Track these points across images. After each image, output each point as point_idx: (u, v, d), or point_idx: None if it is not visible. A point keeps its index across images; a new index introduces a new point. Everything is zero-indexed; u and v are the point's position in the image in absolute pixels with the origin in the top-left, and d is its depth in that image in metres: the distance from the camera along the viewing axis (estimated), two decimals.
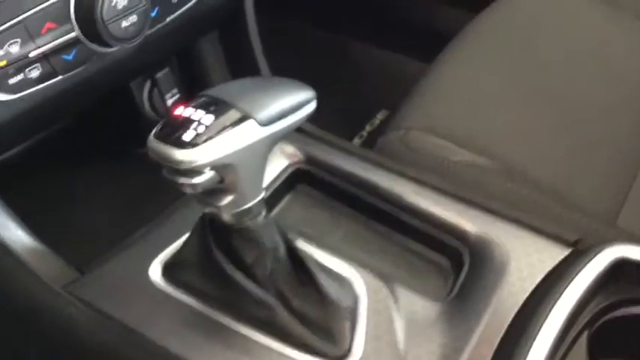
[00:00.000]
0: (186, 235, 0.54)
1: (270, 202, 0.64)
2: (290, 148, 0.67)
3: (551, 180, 0.73)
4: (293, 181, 0.66)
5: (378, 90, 1.32)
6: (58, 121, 0.64)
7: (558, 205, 0.68)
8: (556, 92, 0.84)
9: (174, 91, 0.69)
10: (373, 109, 1.31)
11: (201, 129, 0.45)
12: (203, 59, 0.70)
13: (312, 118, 0.74)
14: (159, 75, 0.67)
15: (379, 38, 1.33)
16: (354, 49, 1.36)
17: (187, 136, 0.45)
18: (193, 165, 0.45)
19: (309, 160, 0.66)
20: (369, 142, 0.91)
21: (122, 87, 0.66)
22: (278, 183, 0.65)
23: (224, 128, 0.45)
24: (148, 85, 0.68)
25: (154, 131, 0.47)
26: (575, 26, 0.94)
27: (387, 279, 0.56)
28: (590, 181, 0.75)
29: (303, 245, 0.56)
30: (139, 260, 0.55)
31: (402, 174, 0.64)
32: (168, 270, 0.54)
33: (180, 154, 0.44)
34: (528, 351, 0.48)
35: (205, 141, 0.45)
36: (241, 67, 0.70)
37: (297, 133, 0.69)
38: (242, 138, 0.46)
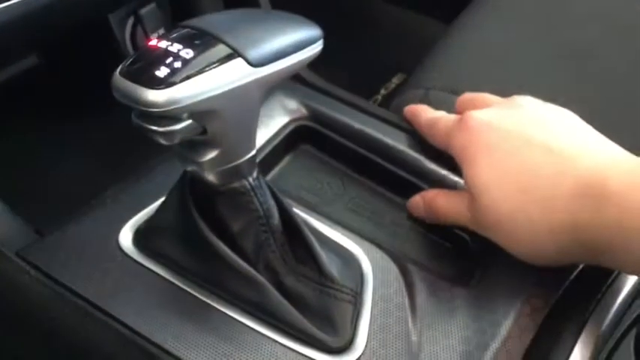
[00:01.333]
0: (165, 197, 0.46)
1: (267, 163, 0.56)
2: (292, 103, 0.58)
3: None
4: (295, 139, 0.57)
5: (395, 51, 1.23)
6: (19, 56, 0.55)
7: None
8: (585, 52, 0.75)
9: (161, 30, 0.60)
10: (389, 71, 1.22)
11: (178, 65, 0.37)
12: None
13: (321, 75, 0.65)
14: (143, 10, 0.58)
15: None
16: (369, 5, 1.26)
17: (161, 73, 0.36)
18: (166, 109, 0.36)
19: (314, 116, 0.57)
20: (384, 107, 0.84)
21: (99, 21, 0.57)
22: (277, 141, 0.56)
23: (206, 66, 0.37)
24: (130, 21, 0.59)
25: (120, 66, 0.38)
26: None
27: (399, 258, 0.48)
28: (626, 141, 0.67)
29: (302, 214, 0.48)
30: (108, 224, 0.46)
31: (420, 136, 0.55)
32: (141, 237, 0.46)
33: (150, 95, 0.36)
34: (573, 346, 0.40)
35: (183, 80, 0.36)
36: (240, 3, 0.61)
37: (301, 86, 0.60)
38: (228, 79, 0.37)
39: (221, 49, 0.37)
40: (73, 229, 0.46)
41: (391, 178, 0.55)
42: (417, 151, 0.54)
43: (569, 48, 0.75)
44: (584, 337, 0.41)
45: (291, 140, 0.57)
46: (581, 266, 0.46)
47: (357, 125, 0.56)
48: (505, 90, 0.69)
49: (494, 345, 0.42)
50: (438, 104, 0.69)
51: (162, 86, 0.36)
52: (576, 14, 0.80)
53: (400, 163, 0.54)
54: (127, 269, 0.45)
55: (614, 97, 0.69)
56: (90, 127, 0.60)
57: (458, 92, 0.69)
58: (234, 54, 0.37)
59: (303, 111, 0.58)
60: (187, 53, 0.37)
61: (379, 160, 0.55)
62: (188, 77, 0.36)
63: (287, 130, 0.57)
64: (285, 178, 0.56)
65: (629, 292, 0.43)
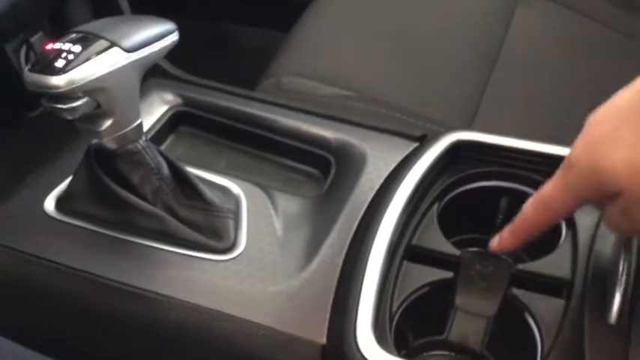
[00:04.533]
0: None
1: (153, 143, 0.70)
2: (169, 95, 0.73)
3: (408, 104, 0.83)
4: (174, 123, 0.72)
5: (255, 65, 1.36)
6: None
7: (412, 119, 0.78)
8: (408, 33, 0.94)
9: None
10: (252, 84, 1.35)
11: (71, 57, 0.51)
12: (73, 22, 0.75)
13: None
14: (33, 39, 0.72)
15: (246, 16, 1.37)
16: (223, 29, 1.38)
17: (59, 64, 0.50)
18: (67, 89, 0.50)
19: (188, 102, 0.72)
20: None
21: None
22: (159, 126, 0.70)
23: (92, 55, 0.51)
24: (24, 49, 0.72)
25: (27, 66, 0.52)
26: None
27: (265, 187, 0.63)
28: (441, 105, 0.86)
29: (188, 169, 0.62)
30: (33, 198, 0.59)
31: (272, 103, 0.71)
32: (62, 202, 0.59)
33: (53, 80, 0.50)
34: (381, 221, 0.56)
35: (75, 67, 0.50)
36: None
37: (174, 82, 0.75)
38: (110, 63, 0.52)
39: (102, 43, 0.52)
40: (3, 205, 0.59)
41: (254, 139, 0.70)
42: (272, 113, 0.70)
43: (397, 33, 0.93)
44: (387, 218, 0.56)
45: (171, 124, 0.72)
46: (393, 166, 0.63)
47: (223, 103, 0.72)
48: (345, 70, 0.86)
49: (335, 227, 0.58)
50: (289, 87, 0.86)
51: (61, 73, 0.50)
52: (410, 8, 0.98)
53: (259, 125, 0.70)
54: (53, 228, 0.57)
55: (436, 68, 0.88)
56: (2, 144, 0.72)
57: (305, 76, 0.87)
58: (112, 45, 0.52)
59: (179, 100, 0.73)
60: (77, 48, 0.51)
61: (246, 128, 0.70)
62: (79, 64, 0.50)
63: (166, 117, 0.71)
64: (171, 153, 0.70)
65: (427, 170, 0.60)
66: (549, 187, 0.47)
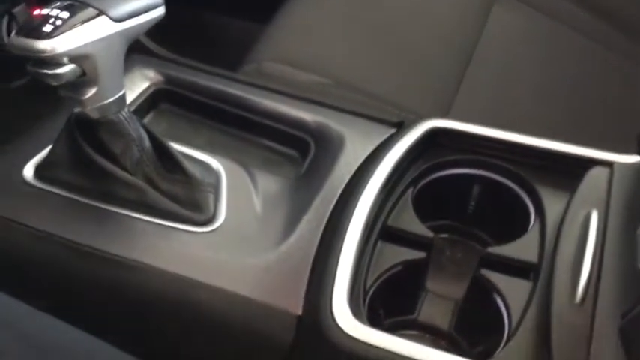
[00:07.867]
0: None
1: None
2: (150, 72, 0.73)
3: (384, 92, 0.84)
4: (155, 100, 0.72)
5: (235, 56, 1.35)
6: None
7: (389, 107, 0.80)
8: (387, 25, 0.95)
9: None
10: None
11: (58, 23, 0.51)
12: None
13: None
14: (16, 10, 0.71)
15: (229, 7, 1.37)
16: (206, 18, 1.38)
17: (47, 29, 0.51)
18: (53, 53, 0.50)
19: (170, 80, 0.73)
20: None
21: None
22: (139, 102, 0.70)
23: (80, 22, 0.51)
24: (6, 20, 0.71)
25: (14, 30, 0.52)
26: None
27: (245, 164, 0.64)
28: (417, 96, 0.88)
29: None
30: (12, 165, 0.59)
31: (253, 84, 0.72)
32: (42, 170, 0.59)
33: (40, 44, 0.50)
34: (358, 201, 0.57)
35: (63, 32, 0.51)
36: None
37: (157, 60, 0.75)
38: (96, 31, 0.52)
39: (90, 11, 0.52)
40: None
41: (235, 119, 0.71)
42: (253, 95, 0.71)
43: (376, 24, 0.95)
44: (364, 199, 0.57)
45: (152, 101, 0.72)
46: (370, 150, 0.64)
47: (204, 83, 0.72)
48: (323, 58, 0.87)
49: (313, 206, 0.59)
50: (270, 72, 0.87)
51: (48, 37, 0.50)
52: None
53: (239, 106, 0.71)
54: (32, 195, 0.57)
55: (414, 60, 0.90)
56: None
57: (285, 62, 0.88)
58: (100, 13, 0.52)
59: (160, 77, 0.73)
60: (65, 15, 0.51)
61: (226, 108, 0.71)
62: (67, 30, 0.51)
63: (147, 93, 0.71)
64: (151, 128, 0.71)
65: (403, 155, 0.61)
66: None
